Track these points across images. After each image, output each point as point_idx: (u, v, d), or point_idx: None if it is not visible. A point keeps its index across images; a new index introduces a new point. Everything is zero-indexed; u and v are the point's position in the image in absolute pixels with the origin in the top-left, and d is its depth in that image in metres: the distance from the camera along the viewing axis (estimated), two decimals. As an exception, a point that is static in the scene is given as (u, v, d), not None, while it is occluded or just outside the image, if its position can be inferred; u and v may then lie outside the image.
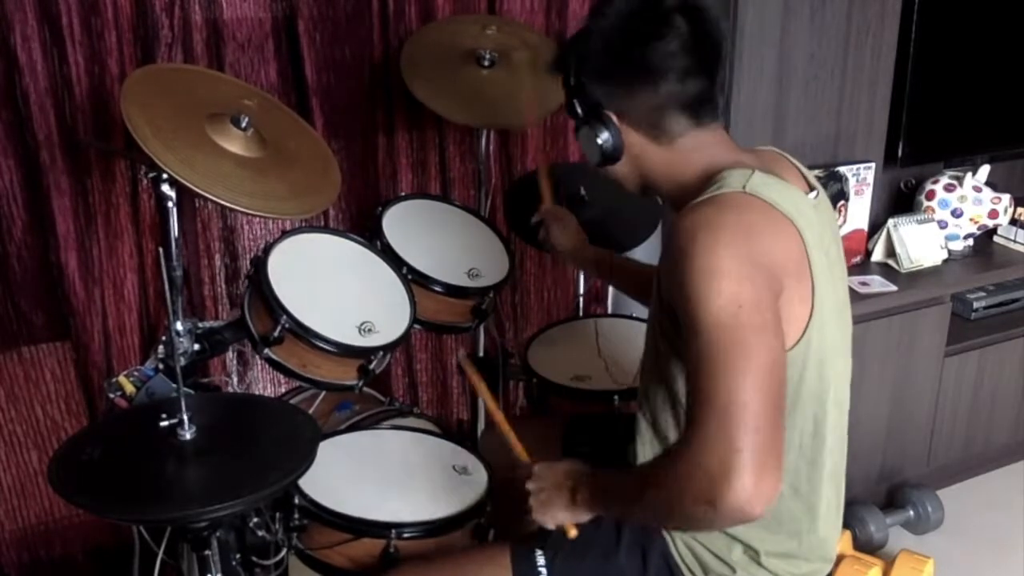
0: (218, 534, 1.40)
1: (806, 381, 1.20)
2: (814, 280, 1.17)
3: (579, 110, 1.27)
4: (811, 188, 1.29)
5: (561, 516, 1.30)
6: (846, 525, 2.39)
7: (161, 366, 1.58)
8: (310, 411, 1.91)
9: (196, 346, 1.61)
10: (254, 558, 1.54)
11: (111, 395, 1.54)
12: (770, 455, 1.05)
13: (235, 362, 2.25)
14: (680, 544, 1.32)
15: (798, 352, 1.18)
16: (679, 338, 1.17)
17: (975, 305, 2.70)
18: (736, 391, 1.05)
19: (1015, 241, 2.76)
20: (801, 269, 1.17)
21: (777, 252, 1.14)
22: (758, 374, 1.06)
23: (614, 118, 1.25)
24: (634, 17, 1.21)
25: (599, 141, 1.26)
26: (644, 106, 1.23)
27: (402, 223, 1.90)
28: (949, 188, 2.66)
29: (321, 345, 1.58)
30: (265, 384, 2.31)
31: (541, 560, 1.35)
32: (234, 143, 1.56)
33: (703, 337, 1.08)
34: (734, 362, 1.06)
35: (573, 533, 1.31)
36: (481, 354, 2.31)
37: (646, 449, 1.34)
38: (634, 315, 2.24)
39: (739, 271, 1.09)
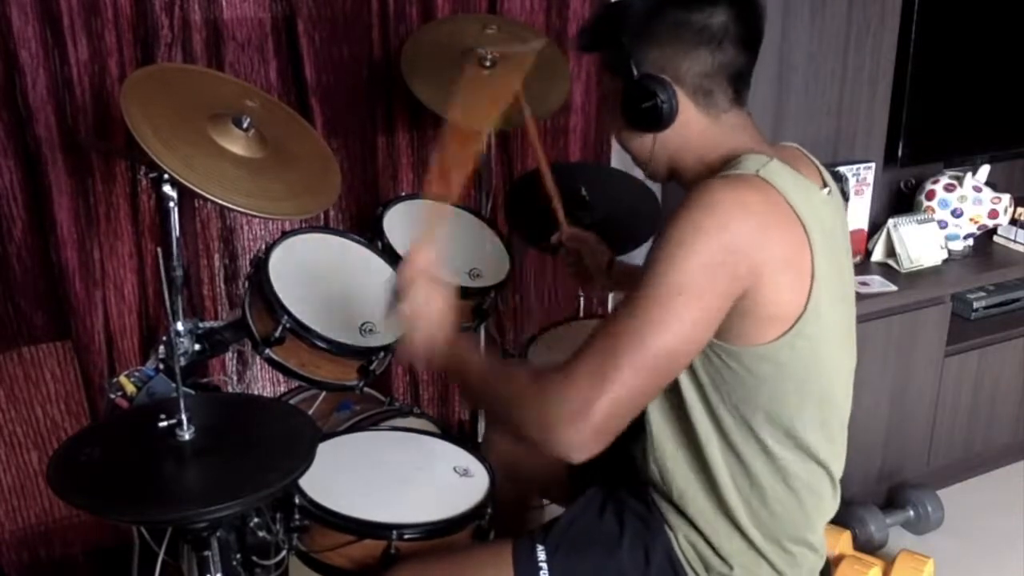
0: (218, 534, 1.40)
1: (793, 372, 1.21)
2: (815, 276, 1.17)
3: (635, 70, 1.22)
4: (825, 185, 1.30)
5: (417, 357, 1.30)
6: (846, 525, 2.39)
7: (161, 366, 1.58)
8: (310, 411, 1.91)
9: (196, 346, 1.61)
10: (254, 558, 1.54)
11: (112, 395, 1.54)
12: (613, 426, 1.11)
13: (235, 362, 2.25)
14: (683, 540, 1.32)
15: (785, 342, 1.18)
16: None
17: (975, 305, 2.70)
18: (623, 359, 1.10)
19: (1015, 241, 2.76)
20: (799, 262, 1.17)
21: (767, 241, 1.14)
22: (652, 356, 1.11)
23: (669, 80, 1.22)
24: None
25: (658, 101, 1.21)
26: (697, 70, 1.22)
27: (403, 223, 1.90)
28: (949, 188, 2.66)
29: (322, 345, 1.58)
30: (265, 384, 2.31)
31: (542, 555, 1.35)
32: (235, 143, 1.56)
33: (637, 291, 1.13)
34: (641, 332, 1.11)
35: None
36: (481, 354, 2.31)
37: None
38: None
39: (705, 256, 1.11)
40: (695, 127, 1.25)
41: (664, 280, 1.11)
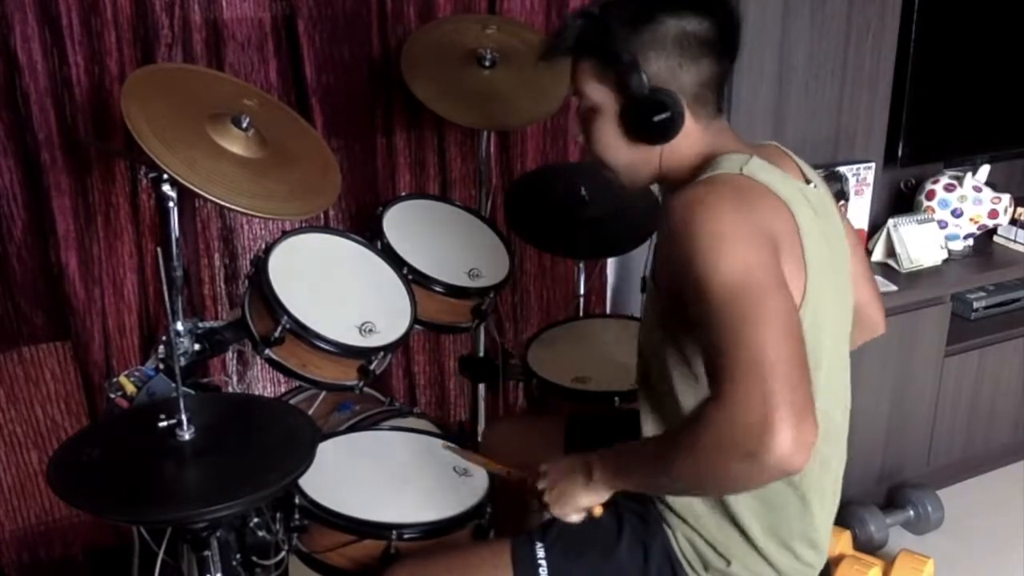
0: (218, 534, 1.40)
1: None
2: (807, 265, 1.18)
3: (646, 84, 1.20)
4: (808, 181, 1.30)
5: (583, 501, 1.27)
6: (846, 525, 2.39)
7: (161, 366, 1.58)
8: (310, 411, 1.91)
9: (196, 346, 1.61)
10: (254, 558, 1.54)
11: (112, 395, 1.54)
12: (806, 406, 1.04)
13: (235, 362, 2.25)
14: (681, 539, 1.32)
15: None
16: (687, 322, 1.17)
17: (975, 305, 2.70)
18: (763, 347, 1.04)
19: (1015, 241, 2.76)
20: (793, 252, 1.17)
21: (773, 224, 1.15)
22: (779, 329, 1.06)
23: (675, 91, 1.21)
24: None
25: (672, 115, 1.20)
26: (697, 80, 1.22)
27: (403, 223, 1.90)
28: (949, 188, 2.66)
29: (322, 345, 1.58)
30: (265, 384, 2.31)
31: (541, 552, 1.35)
32: (235, 143, 1.56)
33: (716, 302, 1.07)
34: (754, 320, 1.06)
35: (599, 512, 1.29)
36: (481, 354, 2.31)
37: None
38: (634, 315, 2.24)
39: (743, 234, 1.10)
40: (690, 136, 1.24)
41: (726, 270, 1.07)
